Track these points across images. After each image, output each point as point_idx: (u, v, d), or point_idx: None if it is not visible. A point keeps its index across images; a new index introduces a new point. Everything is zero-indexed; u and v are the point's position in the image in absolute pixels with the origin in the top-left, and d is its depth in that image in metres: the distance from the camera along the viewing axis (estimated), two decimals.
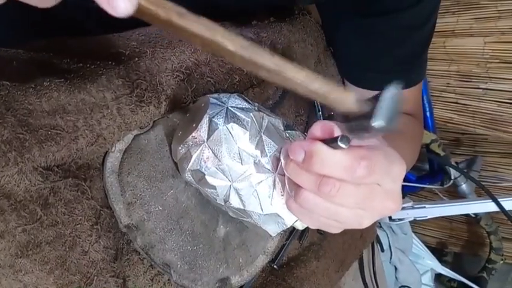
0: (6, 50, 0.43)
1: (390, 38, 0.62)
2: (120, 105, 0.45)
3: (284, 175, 0.43)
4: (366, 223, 0.40)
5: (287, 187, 0.42)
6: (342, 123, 0.34)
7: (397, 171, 0.38)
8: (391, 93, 0.31)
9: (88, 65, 0.45)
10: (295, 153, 0.38)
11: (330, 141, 0.36)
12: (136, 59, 0.48)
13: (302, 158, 0.37)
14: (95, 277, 0.44)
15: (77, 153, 0.43)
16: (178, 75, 0.51)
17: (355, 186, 0.36)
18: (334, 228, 0.41)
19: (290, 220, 0.48)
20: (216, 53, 0.28)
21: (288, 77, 0.29)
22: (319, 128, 0.37)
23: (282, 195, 0.46)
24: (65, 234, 0.42)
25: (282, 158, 0.44)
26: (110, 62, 0.47)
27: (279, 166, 0.45)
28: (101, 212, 0.46)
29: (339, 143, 0.34)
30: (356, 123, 0.32)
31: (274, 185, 0.46)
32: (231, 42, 0.27)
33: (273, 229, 0.49)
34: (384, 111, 0.30)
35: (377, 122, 0.30)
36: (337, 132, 0.36)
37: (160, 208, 0.49)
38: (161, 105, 0.49)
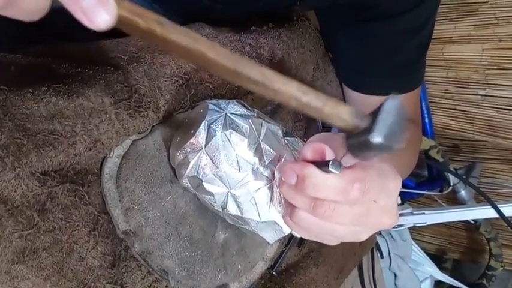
0: (4, 55, 0.43)
1: (388, 42, 0.62)
2: (119, 110, 0.45)
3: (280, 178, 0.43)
4: (363, 237, 0.40)
5: (283, 203, 0.42)
6: (342, 141, 0.32)
7: (392, 187, 0.38)
8: (391, 104, 0.28)
9: (86, 70, 0.45)
10: (287, 176, 0.37)
11: (322, 165, 0.35)
12: (135, 64, 0.48)
13: (294, 181, 0.36)
14: (92, 283, 0.44)
15: (75, 158, 0.43)
16: (177, 81, 0.51)
17: (350, 206, 0.36)
18: (331, 242, 0.41)
19: (287, 228, 0.47)
20: (200, 64, 0.26)
21: (277, 90, 0.27)
22: (310, 149, 0.36)
23: (280, 203, 0.46)
24: (62, 240, 0.42)
25: (276, 174, 0.44)
26: (108, 67, 0.47)
27: (276, 173, 0.45)
28: (99, 217, 0.45)
29: (330, 169, 0.33)
30: (356, 141, 0.30)
31: (272, 192, 0.46)
32: (214, 51, 0.25)
33: (271, 236, 0.49)
34: (384, 125, 0.27)
35: (376, 138, 0.27)
36: (328, 154, 0.36)
37: (159, 214, 0.49)
38: (160, 111, 0.49)
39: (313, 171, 0.35)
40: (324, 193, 0.35)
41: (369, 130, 0.28)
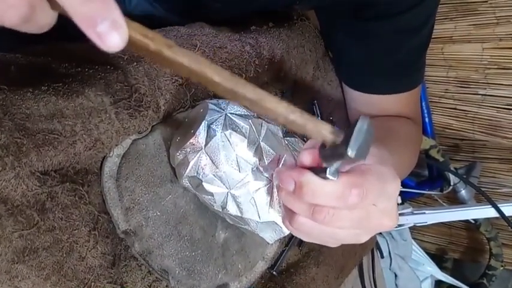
0: (4, 55, 0.43)
1: (388, 42, 0.62)
2: (119, 110, 0.45)
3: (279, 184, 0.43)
4: (363, 240, 0.40)
5: (283, 206, 0.42)
6: (319, 151, 0.35)
7: (391, 189, 0.38)
8: (363, 123, 0.32)
9: (86, 70, 0.45)
10: (285, 183, 0.37)
11: (320, 171, 0.35)
12: (135, 63, 0.48)
13: (292, 188, 0.37)
14: (92, 283, 0.44)
15: (75, 157, 0.43)
16: (177, 80, 0.51)
17: (350, 210, 0.36)
18: (332, 244, 0.41)
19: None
20: (202, 82, 0.29)
21: (267, 108, 0.30)
22: (308, 156, 0.37)
23: (280, 203, 0.46)
24: (62, 239, 0.42)
25: (274, 179, 0.44)
26: (108, 67, 0.47)
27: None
28: (99, 217, 0.45)
29: (328, 176, 0.34)
30: (330, 152, 0.34)
31: (271, 192, 0.46)
32: (216, 74, 0.28)
33: (271, 236, 0.49)
34: (357, 142, 0.32)
35: (350, 152, 0.31)
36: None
37: (159, 213, 0.49)
38: (160, 110, 0.49)
39: (311, 178, 0.35)
40: (322, 199, 0.35)
41: (344, 144, 0.32)
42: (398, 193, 0.39)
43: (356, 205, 0.35)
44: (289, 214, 0.40)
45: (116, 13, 0.24)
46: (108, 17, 0.24)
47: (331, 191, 0.35)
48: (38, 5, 0.24)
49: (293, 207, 0.38)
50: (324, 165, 0.35)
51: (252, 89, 0.30)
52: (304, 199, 0.36)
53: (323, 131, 0.33)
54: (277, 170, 0.44)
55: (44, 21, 0.26)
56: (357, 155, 0.32)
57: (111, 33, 0.24)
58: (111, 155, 0.46)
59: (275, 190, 0.45)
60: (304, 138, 0.67)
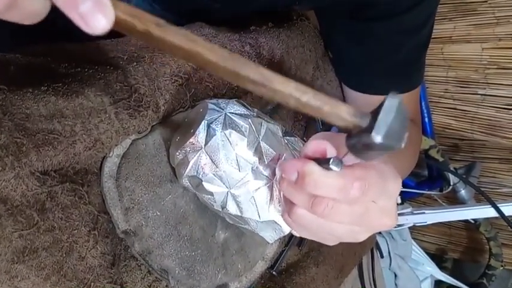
0: (4, 55, 0.43)
1: (388, 42, 0.62)
2: (118, 110, 0.45)
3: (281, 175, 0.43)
4: (361, 238, 0.40)
5: (282, 202, 0.42)
6: (342, 139, 0.32)
7: (392, 188, 0.38)
8: (391, 102, 0.28)
9: (86, 70, 0.45)
10: (288, 173, 0.37)
11: (323, 162, 0.35)
12: (135, 63, 0.48)
13: (295, 177, 0.36)
14: (92, 283, 0.44)
15: (75, 157, 0.43)
16: (177, 80, 0.51)
17: (349, 205, 0.36)
18: (330, 241, 0.41)
19: (287, 227, 0.47)
20: (199, 64, 0.26)
21: (275, 89, 0.27)
22: (312, 147, 0.36)
23: (280, 202, 0.46)
24: (61, 239, 0.42)
25: (277, 171, 0.44)
26: (108, 67, 0.47)
27: (276, 173, 0.45)
28: (99, 217, 0.45)
29: (331, 166, 0.33)
30: (356, 140, 0.30)
31: (271, 192, 0.46)
32: (212, 53, 0.25)
33: (270, 236, 0.49)
34: (385, 124, 0.27)
35: (377, 137, 0.27)
36: (329, 152, 0.36)
37: (158, 213, 0.49)
38: (159, 110, 0.49)
39: (314, 168, 0.35)
40: (323, 190, 0.35)
41: (369, 129, 0.28)
42: (399, 193, 0.39)
43: (357, 199, 0.35)
44: (288, 206, 0.39)
45: None
46: None
47: (333, 182, 0.35)
48: None
49: (293, 198, 0.38)
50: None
51: (255, 68, 0.26)
52: (306, 189, 0.36)
53: (343, 113, 0.28)
54: (280, 163, 0.43)
55: (30, 7, 0.24)
56: (387, 140, 0.27)
57: (95, 14, 0.23)
58: (110, 155, 0.46)
59: (275, 189, 0.45)
60: (304, 138, 0.67)
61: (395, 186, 0.38)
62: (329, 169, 0.34)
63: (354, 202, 0.36)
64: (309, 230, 0.40)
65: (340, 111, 0.28)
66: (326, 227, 0.38)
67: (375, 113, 0.28)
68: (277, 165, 0.44)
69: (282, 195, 0.43)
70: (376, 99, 0.69)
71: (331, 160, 0.34)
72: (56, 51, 0.47)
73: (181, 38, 0.25)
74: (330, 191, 0.35)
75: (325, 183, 0.35)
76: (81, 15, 0.22)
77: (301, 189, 0.36)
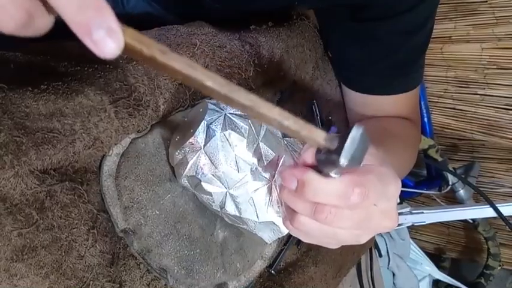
0: (4, 53, 0.43)
1: (387, 42, 0.62)
2: (118, 109, 0.45)
3: (281, 184, 0.43)
4: (363, 240, 0.40)
5: (283, 209, 0.42)
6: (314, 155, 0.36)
7: (392, 190, 0.38)
8: (357, 132, 0.32)
9: (86, 68, 0.45)
10: (287, 182, 0.37)
11: (321, 162, 0.36)
12: (135, 62, 0.48)
13: (295, 186, 0.37)
14: (91, 282, 0.44)
15: (74, 156, 0.43)
16: (177, 79, 0.51)
17: (351, 210, 0.36)
18: (332, 245, 0.42)
19: (285, 228, 0.48)
20: (197, 88, 0.30)
21: (261, 114, 0.31)
22: (310, 155, 0.37)
23: (278, 204, 0.46)
24: (61, 238, 0.42)
25: (277, 177, 0.44)
26: (107, 66, 0.47)
27: (275, 174, 0.45)
28: (98, 216, 0.45)
29: (331, 173, 0.35)
30: (324, 158, 0.35)
31: (270, 193, 0.46)
32: (210, 80, 0.28)
33: (269, 237, 0.49)
34: (350, 151, 0.32)
35: (343, 160, 0.32)
36: None
37: (158, 212, 0.49)
38: (159, 109, 0.49)
39: (314, 177, 0.36)
40: (324, 198, 0.36)
41: (337, 152, 0.33)
42: (398, 194, 0.39)
43: (358, 204, 0.35)
44: (290, 214, 0.40)
45: (111, 20, 0.25)
46: (103, 25, 0.24)
47: (334, 190, 0.35)
48: (35, 11, 0.24)
49: (295, 206, 0.38)
50: (319, 169, 0.36)
51: (246, 95, 0.30)
52: (306, 198, 0.36)
53: (317, 138, 0.33)
54: (280, 169, 0.44)
55: (41, 26, 0.26)
56: (350, 164, 0.32)
57: (106, 40, 0.24)
58: (110, 153, 0.46)
59: (274, 190, 0.45)
60: None
61: (395, 189, 0.38)
62: (328, 176, 0.35)
63: (355, 207, 0.36)
64: (312, 236, 0.40)
65: (315, 136, 0.33)
66: (329, 233, 0.38)
67: (342, 139, 0.33)
68: (277, 171, 0.45)
69: (283, 206, 0.43)
70: (375, 99, 0.69)
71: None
72: (55, 49, 0.47)
73: (182, 64, 0.28)
74: (330, 198, 0.35)
75: (325, 190, 0.35)
76: (94, 42, 0.24)
77: (302, 197, 0.37)
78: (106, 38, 0.24)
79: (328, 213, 0.36)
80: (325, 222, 0.37)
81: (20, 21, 0.24)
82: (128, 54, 0.27)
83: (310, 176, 0.36)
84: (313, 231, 0.39)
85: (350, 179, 0.35)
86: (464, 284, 1.48)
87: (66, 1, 0.24)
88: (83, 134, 0.43)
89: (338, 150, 0.33)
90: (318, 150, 0.36)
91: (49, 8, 0.25)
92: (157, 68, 0.28)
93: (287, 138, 0.49)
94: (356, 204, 0.35)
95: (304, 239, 0.42)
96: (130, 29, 0.26)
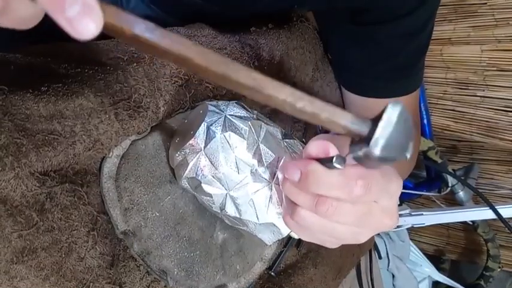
0: (4, 55, 0.43)
1: (386, 45, 0.62)
2: (118, 111, 0.45)
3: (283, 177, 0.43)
4: (362, 239, 0.40)
5: (284, 203, 0.42)
6: (344, 140, 0.32)
7: (394, 188, 0.38)
8: (392, 112, 0.26)
9: (86, 70, 0.45)
10: (290, 173, 0.37)
11: (326, 161, 0.35)
12: (135, 64, 0.48)
13: (298, 177, 0.37)
14: (91, 283, 0.44)
15: (74, 158, 0.43)
16: (177, 81, 0.51)
17: (352, 204, 0.36)
18: (331, 244, 0.41)
19: (286, 229, 0.48)
20: (189, 69, 0.25)
21: (270, 95, 0.26)
22: (314, 146, 0.36)
23: (279, 205, 0.46)
24: (61, 240, 0.42)
25: (279, 173, 0.44)
26: (108, 68, 0.47)
27: (275, 176, 0.45)
28: (98, 217, 0.45)
29: (334, 164, 0.33)
30: (357, 150, 0.29)
31: (270, 194, 0.46)
32: (202, 57, 0.24)
33: (269, 238, 0.49)
34: (384, 136, 0.26)
35: (375, 150, 0.26)
36: (332, 151, 0.36)
37: (158, 214, 0.49)
38: (159, 111, 0.49)
39: (317, 167, 0.35)
40: (327, 189, 0.35)
41: (368, 140, 0.27)
42: (400, 193, 0.39)
43: (360, 197, 0.35)
44: (290, 207, 0.39)
45: None
46: (78, 1, 0.22)
47: (337, 181, 0.35)
48: None
49: (297, 198, 0.38)
50: (323, 162, 0.33)
51: (247, 73, 0.25)
52: (309, 189, 0.36)
53: (342, 121, 0.27)
54: (282, 165, 0.43)
55: (23, 13, 0.23)
56: (386, 153, 0.26)
57: (83, 18, 0.22)
58: (110, 155, 0.46)
59: (274, 192, 0.45)
60: (303, 139, 0.67)
61: (397, 187, 0.38)
62: (332, 167, 0.34)
63: (357, 201, 0.36)
64: (311, 232, 0.40)
65: (338, 119, 0.27)
66: (328, 228, 0.38)
67: (376, 121, 0.27)
68: (279, 168, 0.44)
69: (281, 198, 0.43)
70: (375, 102, 0.69)
71: (334, 158, 0.33)
72: (56, 51, 0.47)
73: (170, 42, 0.24)
74: (333, 190, 0.35)
75: (328, 181, 0.35)
76: (68, 20, 0.22)
77: (304, 189, 0.36)
78: (82, 15, 0.22)
79: (330, 205, 0.35)
80: (325, 215, 0.36)
81: None
82: (109, 34, 0.24)
83: (314, 167, 0.35)
84: (313, 225, 0.38)
85: (353, 171, 0.35)
86: (464, 286, 1.48)
87: None
88: (83, 136, 0.43)
89: (368, 137, 0.26)
90: (351, 142, 0.30)
91: None
92: (143, 48, 0.25)
93: (287, 140, 0.49)
94: (358, 197, 0.35)
95: (303, 236, 0.41)
96: (110, 7, 0.23)
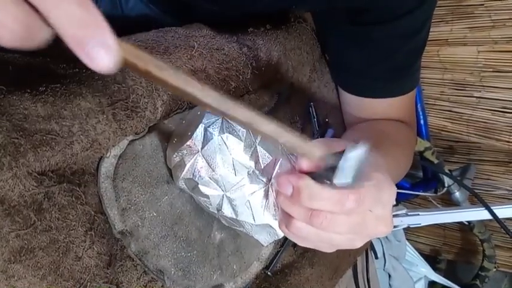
0: (2, 55, 0.43)
1: (384, 46, 0.63)
2: (116, 111, 0.45)
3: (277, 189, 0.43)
4: (358, 245, 0.41)
5: (280, 213, 0.43)
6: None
7: (386, 197, 0.39)
8: (355, 153, 0.32)
9: (84, 70, 0.45)
10: (283, 188, 0.38)
11: (318, 175, 0.36)
12: None
13: (290, 192, 0.37)
14: (88, 283, 0.44)
15: (72, 158, 0.43)
16: None
17: (347, 216, 0.37)
18: (328, 250, 0.42)
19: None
20: (193, 102, 0.30)
21: (258, 130, 0.31)
22: (306, 161, 0.37)
23: (275, 206, 0.46)
24: (58, 239, 0.42)
25: (273, 182, 0.45)
26: None
27: (272, 177, 0.46)
28: (95, 217, 0.45)
29: (326, 180, 0.35)
30: (322, 175, 0.35)
31: (267, 196, 0.46)
32: (207, 96, 0.29)
33: (265, 239, 0.49)
34: (347, 171, 0.32)
35: (338, 180, 0.32)
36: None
37: (155, 214, 0.49)
38: (157, 111, 0.49)
39: (309, 183, 0.36)
40: (320, 204, 0.36)
41: (333, 170, 0.33)
42: (393, 200, 0.40)
43: (353, 210, 0.36)
44: (286, 218, 0.40)
45: (107, 34, 0.24)
46: (98, 39, 0.24)
47: (329, 196, 0.35)
48: (34, 26, 0.24)
49: (291, 211, 0.39)
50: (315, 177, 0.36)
51: (242, 111, 0.30)
52: (302, 203, 0.36)
53: (314, 154, 0.34)
54: (276, 175, 0.44)
55: (40, 40, 0.25)
56: (346, 182, 0.32)
57: (101, 54, 0.24)
58: (108, 155, 0.46)
59: (270, 193, 0.46)
60: None
61: (390, 195, 0.39)
62: (324, 182, 0.35)
63: (351, 213, 0.37)
64: (308, 241, 0.41)
65: (311, 151, 0.34)
66: (324, 237, 0.39)
67: (338, 158, 0.33)
68: (274, 174, 0.45)
69: (279, 210, 0.44)
70: (371, 102, 0.69)
71: (326, 174, 0.36)
72: (54, 51, 0.47)
73: (179, 81, 0.28)
74: (325, 204, 0.36)
75: (320, 197, 0.36)
76: (88, 55, 0.24)
77: (298, 203, 0.37)
78: (101, 51, 0.24)
79: (324, 218, 0.36)
80: (321, 227, 0.37)
81: (19, 35, 0.23)
82: (124, 67, 0.27)
83: (306, 182, 0.36)
84: (309, 235, 0.39)
85: None
86: (460, 286, 1.49)
87: (66, 19, 0.23)
88: (81, 136, 0.43)
89: (333, 170, 0.33)
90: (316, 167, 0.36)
91: (48, 23, 0.25)
92: (154, 82, 0.29)
93: None
94: (351, 210, 0.36)
95: (300, 243, 0.42)
96: (126, 44, 0.26)
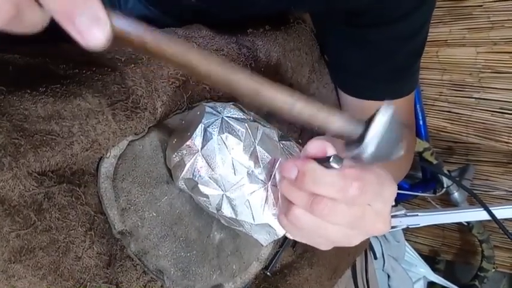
0: (2, 55, 0.43)
1: (383, 48, 0.63)
2: (116, 111, 0.46)
3: (277, 186, 0.43)
4: (355, 242, 0.40)
5: (280, 202, 0.43)
6: (341, 141, 0.33)
7: (388, 193, 0.38)
8: (384, 113, 0.28)
9: (84, 71, 0.46)
10: (288, 171, 0.38)
11: (323, 161, 0.36)
12: (133, 65, 0.49)
13: (295, 175, 0.37)
14: (88, 283, 0.44)
15: (72, 158, 0.43)
16: (174, 82, 0.51)
17: (347, 206, 0.37)
18: (323, 246, 0.42)
19: (281, 230, 0.48)
20: (191, 74, 0.27)
21: (267, 98, 0.27)
22: (312, 146, 0.37)
23: (274, 206, 0.46)
24: (58, 239, 0.42)
25: (277, 173, 0.44)
26: (106, 68, 0.47)
27: (272, 177, 0.46)
28: (95, 217, 0.45)
29: (331, 163, 0.34)
30: (351, 150, 0.31)
31: (266, 195, 0.46)
32: (205, 61, 0.26)
33: (264, 239, 0.50)
34: (377, 136, 0.27)
35: (368, 150, 0.27)
36: (330, 151, 0.37)
37: (154, 214, 0.50)
38: (157, 112, 0.49)
39: (314, 166, 0.36)
40: (323, 189, 0.36)
41: (361, 140, 0.28)
42: (394, 199, 0.40)
43: (355, 198, 0.36)
44: (286, 206, 0.40)
45: (97, 6, 0.23)
46: (87, 11, 0.22)
47: (333, 181, 0.35)
48: (23, 4, 0.23)
49: (292, 196, 0.38)
50: (320, 161, 0.34)
51: (246, 78, 0.26)
52: (306, 187, 0.36)
53: (337, 122, 0.28)
54: (282, 163, 0.44)
55: (32, 20, 0.24)
56: (378, 152, 0.27)
57: (91, 28, 0.23)
58: (107, 156, 0.46)
59: (270, 193, 0.46)
60: (299, 141, 0.68)
61: (391, 192, 0.39)
62: (329, 167, 0.35)
63: (352, 203, 0.37)
64: (305, 232, 0.40)
65: (334, 120, 0.28)
66: (321, 228, 0.38)
67: (369, 122, 0.28)
68: (275, 169, 0.45)
69: (277, 199, 0.44)
70: (370, 104, 0.69)
71: (332, 158, 0.34)
72: (54, 52, 0.47)
73: (175, 48, 0.25)
74: (329, 189, 0.36)
75: (324, 181, 0.35)
76: (78, 29, 0.23)
77: (301, 187, 0.37)
78: (90, 24, 0.22)
79: (325, 205, 0.36)
80: (320, 214, 0.37)
81: (7, 14, 0.22)
82: (116, 43, 0.25)
83: (311, 165, 0.36)
84: (307, 225, 0.39)
85: (350, 172, 0.35)
86: (459, 286, 1.49)
87: None
88: (81, 137, 0.43)
89: (361, 139, 0.28)
90: (346, 143, 0.32)
91: (38, 1, 0.23)
92: (149, 54, 0.26)
93: (283, 141, 0.49)
94: (353, 198, 0.36)
95: (296, 235, 0.42)
96: (117, 16, 0.24)
